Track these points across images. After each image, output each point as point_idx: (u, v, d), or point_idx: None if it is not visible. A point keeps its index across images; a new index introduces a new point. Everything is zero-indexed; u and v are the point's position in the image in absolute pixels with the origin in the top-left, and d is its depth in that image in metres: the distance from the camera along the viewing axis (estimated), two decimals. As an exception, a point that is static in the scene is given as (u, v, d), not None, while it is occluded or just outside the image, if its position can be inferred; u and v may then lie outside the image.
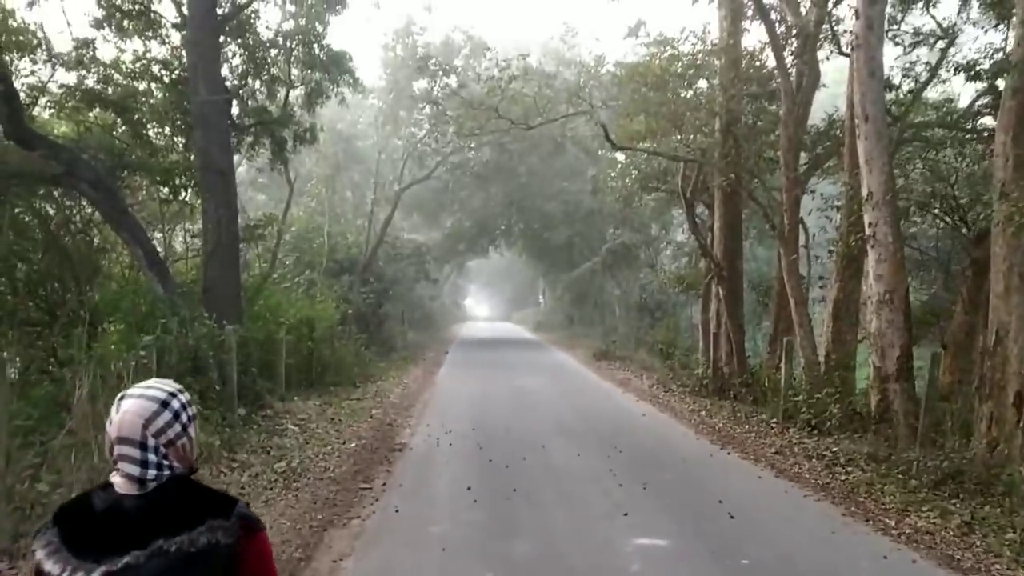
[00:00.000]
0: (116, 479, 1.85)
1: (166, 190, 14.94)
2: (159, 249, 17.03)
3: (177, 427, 1.88)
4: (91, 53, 13.48)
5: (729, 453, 10.37)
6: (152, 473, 1.84)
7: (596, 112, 18.88)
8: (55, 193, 13.58)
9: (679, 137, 16.57)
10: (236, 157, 18.77)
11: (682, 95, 16.19)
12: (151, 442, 1.84)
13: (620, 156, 21.83)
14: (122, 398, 1.89)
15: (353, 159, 31.05)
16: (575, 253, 37.01)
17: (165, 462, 1.86)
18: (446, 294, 59.91)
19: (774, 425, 12.20)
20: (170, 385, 1.94)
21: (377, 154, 29.19)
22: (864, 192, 10.91)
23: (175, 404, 1.90)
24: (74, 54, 13.13)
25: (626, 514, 7.14)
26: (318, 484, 8.26)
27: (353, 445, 10.57)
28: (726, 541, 6.41)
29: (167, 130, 15.46)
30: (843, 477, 8.88)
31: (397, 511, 7.23)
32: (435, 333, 40.67)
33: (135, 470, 1.82)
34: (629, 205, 22.18)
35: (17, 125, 10.60)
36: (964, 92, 16.17)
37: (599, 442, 10.93)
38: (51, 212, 14.51)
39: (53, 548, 1.78)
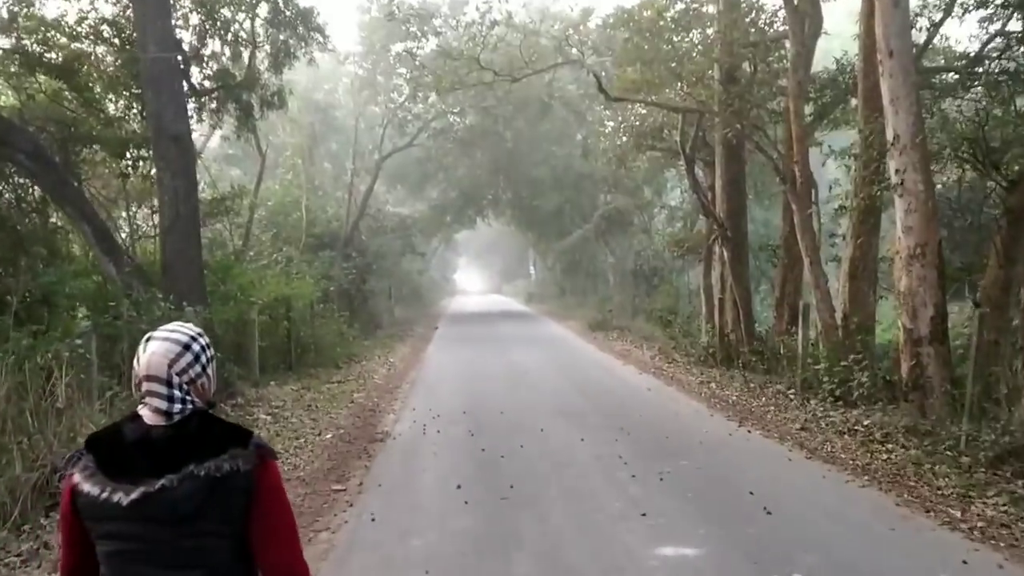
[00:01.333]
0: (145, 412, 2.00)
1: (125, 163, 13.76)
2: (125, 228, 15.91)
3: (197, 367, 2.03)
4: (27, 11, 12.16)
5: (749, 431, 9.30)
6: (177, 407, 1.99)
7: (586, 61, 17.59)
8: (7, 170, 12.39)
9: (678, 87, 15.37)
10: (202, 126, 17.58)
11: (677, 43, 15.00)
12: (175, 380, 1.99)
13: (609, 117, 20.63)
14: (148, 339, 2.03)
15: (331, 128, 29.71)
16: (566, 221, 35.70)
17: (188, 397, 2.02)
18: (434, 268, 58.70)
19: (792, 396, 11.16)
20: (192, 329, 2.09)
21: (355, 121, 27.83)
22: (889, 136, 9.78)
23: (195, 347, 2.04)
24: (6, 12, 11.81)
25: (644, 514, 6.03)
26: (284, 486, 7.13)
27: (329, 436, 9.47)
28: (768, 546, 5.32)
29: (122, 98, 14.21)
30: (884, 456, 7.82)
31: (374, 519, 6.12)
32: (424, 308, 39.64)
33: (163, 404, 1.99)
34: (623, 165, 20.93)
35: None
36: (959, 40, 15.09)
37: (604, 423, 9.84)
38: (3, 192, 13.40)
39: (90, 472, 1.95)
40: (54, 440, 6.70)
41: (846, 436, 8.74)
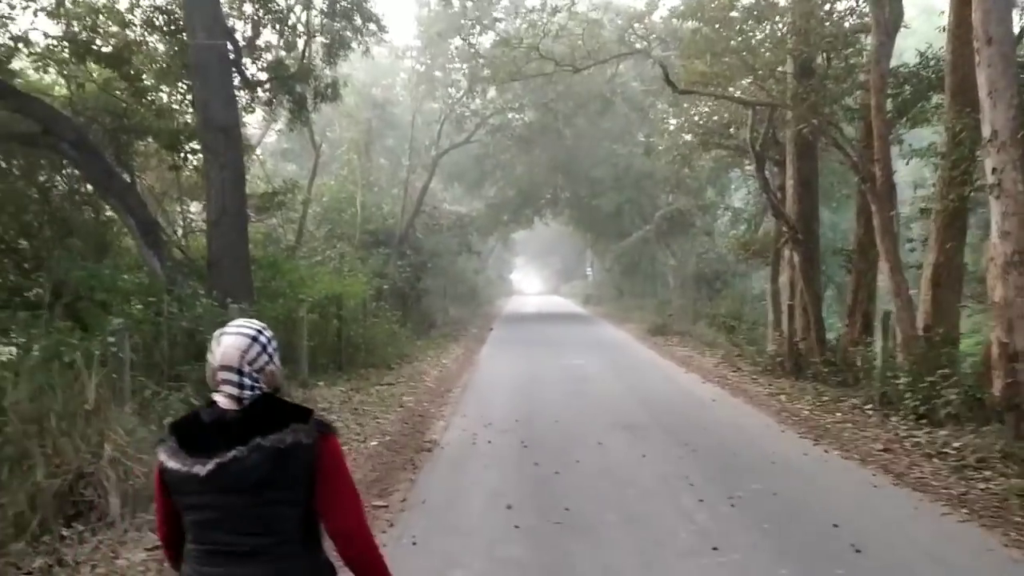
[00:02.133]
0: (219, 398, 2.27)
1: (178, 156, 13.48)
2: (179, 221, 15.70)
3: (265, 357, 2.29)
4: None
5: (826, 450, 8.53)
6: (247, 392, 2.25)
7: (652, 51, 16.86)
8: (63, 162, 12.18)
9: (749, 80, 14.58)
10: (256, 119, 17.32)
11: (748, 34, 14.24)
12: (246, 368, 2.25)
13: (672, 114, 19.84)
14: (221, 335, 2.29)
15: (388, 124, 29.39)
16: (625, 221, 34.80)
17: (257, 384, 2.27)
18: (491, 267, 58.30)
19: (871, 413, 10.32)
20: (257, 323, 2.36)
21: (412, 117, 27.46)
22: (985, 132, 8.91)
23: (262, 339, 2.30)
24: (54, -1, 11.56)
25: (716, 548, 5.36)
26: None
27: (375, 443, 8.96)
28: (862, 595, 4.64)
29: (175, 89, 13.96)
30: (981, 485, 7.01)
31: (415, 543, 5.56)
32: (479, 308, 39.22)
33: (235, 391, 2.25)
34: (687, 165, 20.16)
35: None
36: None
37: (667, 437, 9.17)
38: (57, 184, 13.25)
39: (173, 451, 2.21)
40: (81, 444, 6.25)
41: (935, 460, 7.93)
